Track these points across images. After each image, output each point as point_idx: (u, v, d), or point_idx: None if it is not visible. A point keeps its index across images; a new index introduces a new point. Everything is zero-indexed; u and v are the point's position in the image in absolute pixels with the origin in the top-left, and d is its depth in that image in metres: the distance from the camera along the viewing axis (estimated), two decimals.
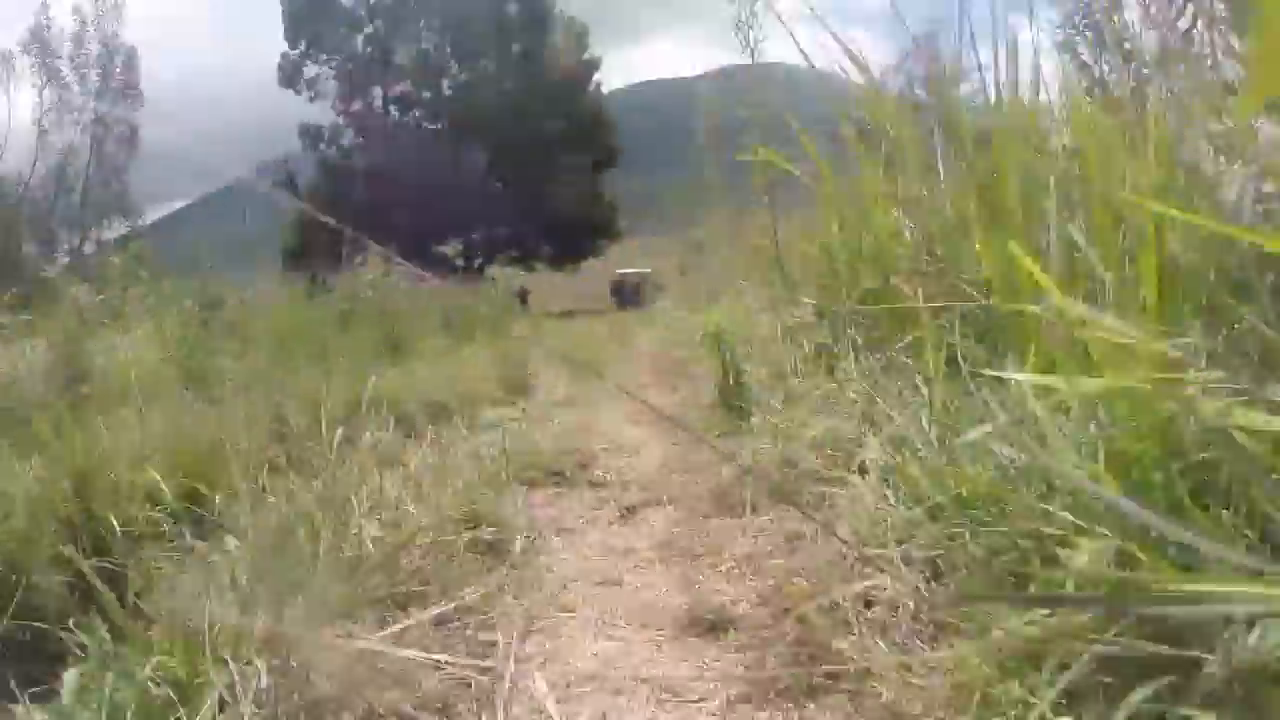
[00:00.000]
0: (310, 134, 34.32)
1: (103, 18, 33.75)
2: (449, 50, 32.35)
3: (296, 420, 2.62)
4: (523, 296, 30.97)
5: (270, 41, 35.33)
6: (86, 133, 31.90)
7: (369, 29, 33.02)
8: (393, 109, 33.16)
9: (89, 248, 30.58)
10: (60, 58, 32.98)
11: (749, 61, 4.27)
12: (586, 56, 31.76)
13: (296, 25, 33.79)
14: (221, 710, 1.08)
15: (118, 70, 33.64)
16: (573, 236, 32.43)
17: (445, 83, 32.86)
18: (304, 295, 7.00)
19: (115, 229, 30.80)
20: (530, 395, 4.76)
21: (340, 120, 33.91)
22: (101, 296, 4.55)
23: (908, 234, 2.22)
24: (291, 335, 4.61)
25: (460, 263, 30.78)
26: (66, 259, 28.60)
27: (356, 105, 33.52)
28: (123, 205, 32.07)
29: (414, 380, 4.10)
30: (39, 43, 32.69)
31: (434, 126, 32.84)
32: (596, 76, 32.95)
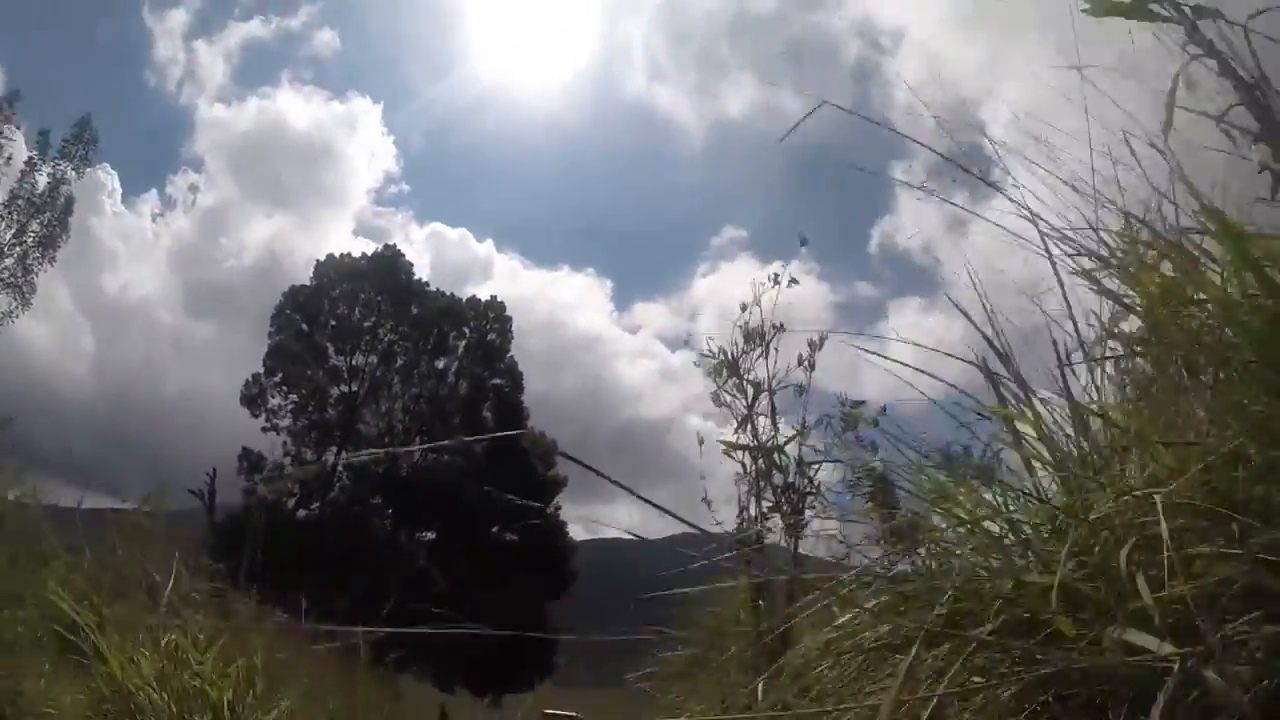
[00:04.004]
0: (250, 460, 31.31)
1: None
2: (417, 438, 30.17)
3: None
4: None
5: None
6: None
7: (345, 388, 31.17)
8: (345, 475, 30.37)
9: None
10: None
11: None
12: (552, 474, 29.21)
13: (277, 355, 32.10)
14: None
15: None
16: (502, 660, 28.00)
17: (404, 466, 30.33)
18: None
19: None
20: None
21: (286, 462, 31.04)
22: None
23: None
24: None
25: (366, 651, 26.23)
26: None
27: (309, 455, 30.79)
28: None
29: None
30: None
31: (379, 503, 29.83)
32: (559, 500, 30.26)
